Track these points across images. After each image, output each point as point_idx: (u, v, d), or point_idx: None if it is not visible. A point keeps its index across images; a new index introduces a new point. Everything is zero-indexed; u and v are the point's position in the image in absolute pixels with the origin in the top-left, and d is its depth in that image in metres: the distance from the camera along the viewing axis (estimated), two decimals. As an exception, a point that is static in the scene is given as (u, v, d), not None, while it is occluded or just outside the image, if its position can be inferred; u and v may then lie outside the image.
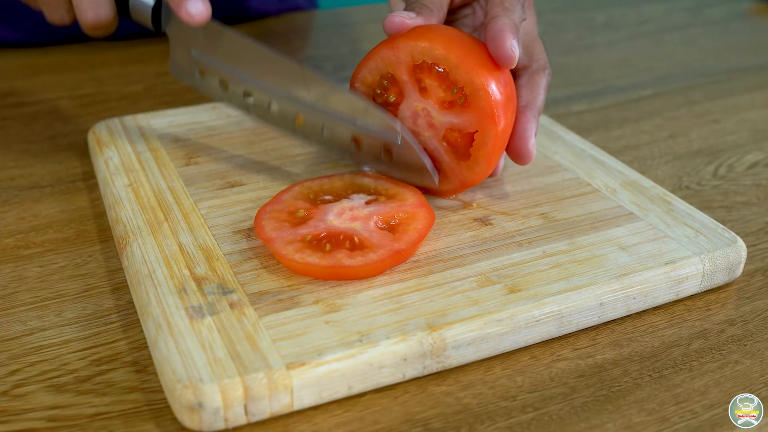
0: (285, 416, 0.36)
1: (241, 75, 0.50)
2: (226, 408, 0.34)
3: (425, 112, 0.46)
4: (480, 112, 0.44)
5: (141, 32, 0.79)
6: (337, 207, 0.44)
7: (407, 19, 0.46)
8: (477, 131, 0.45)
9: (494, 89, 0.44)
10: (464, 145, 0.46)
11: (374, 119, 0.46)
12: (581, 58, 0.80)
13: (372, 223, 0.43)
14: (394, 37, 0.46)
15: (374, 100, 0.48)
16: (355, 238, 0.42)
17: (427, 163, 0.46)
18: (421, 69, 0.45)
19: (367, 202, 0.45)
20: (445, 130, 0.46)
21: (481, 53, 0.45)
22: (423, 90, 0.46)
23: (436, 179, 0.47)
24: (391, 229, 0.43)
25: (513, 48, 0.44)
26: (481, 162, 0.45)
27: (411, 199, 0.45)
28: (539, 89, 0.48)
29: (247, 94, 0.50)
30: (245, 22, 0.86)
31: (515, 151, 0.47)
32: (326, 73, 0.75)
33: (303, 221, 0.43)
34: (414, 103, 0.46)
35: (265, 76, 0.49)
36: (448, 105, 0.45)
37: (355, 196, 0.46)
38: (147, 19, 0.50)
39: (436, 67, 0.45)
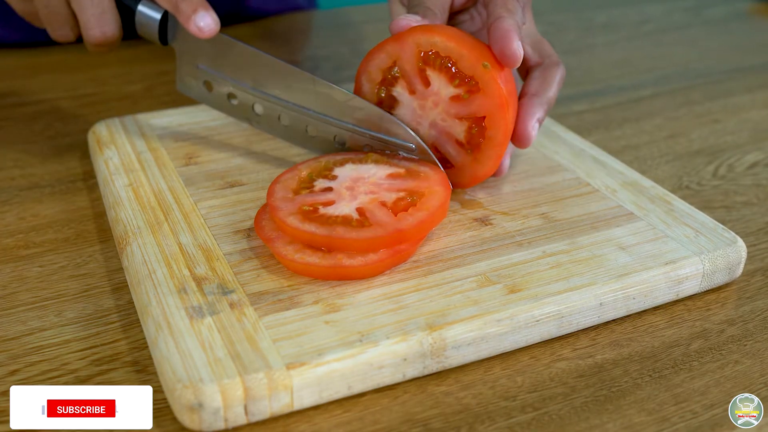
0: (285, 416, 0.36)
1: (249, 87, 0.50)
2: (226, 408, 0.34)
3: (432, 104, 0.47)
4: (488, 101, 0.45)
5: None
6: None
7: (413, 21, 0.47)
8: (485, 120, 0.45)
9: (501, 78, 0.45)
10: (472, 138, 0.46)
11: (391, 128, 0.48)
12: (581, 58, 0.80)
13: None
14: (400, 33, 0.47)
15: (379, 93, 0.48)
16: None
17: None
18: (426, 61, 0.46)
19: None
20: (452, 121, 0.47)
21: (485, 48, 0.46)
22: (428, 82, 0.46)
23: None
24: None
25: (519, 47, 0.45)
26: (489, 154, 0.46)
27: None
28: (552, 82, 0.49)
29: (254, 107, 0.51)
30: (245, 22, 0.86)
31: (516, 132, 0.47)
32: (327, 73, 0.75)
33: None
34: (420, 95, 0.47)
35: (274, 88, 0.50)
36: (454, 97, 0.46)
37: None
38: (153, 34, 0.51)
39: (442, 59, 0.45)
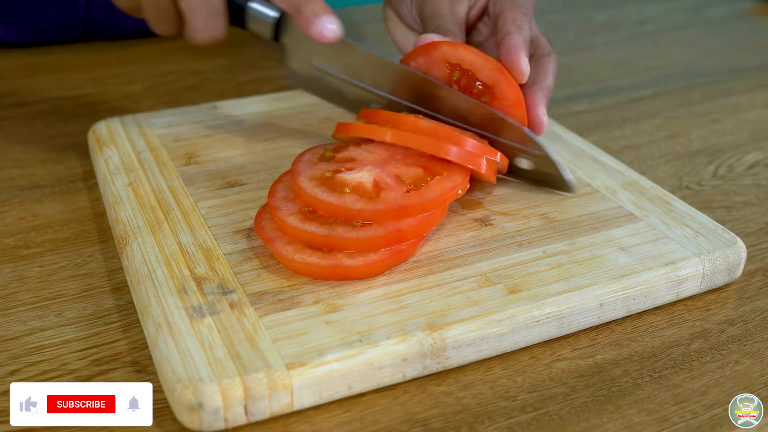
0: (285, 416, 0.36)
1: (365, 86, 0.52)
2: (226, 408, 0.34)
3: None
4: (505, 102, 0.48)
5: (141, 32, 0.79)
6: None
7: (437, 38, 0.50)
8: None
9: (515, 84, 0.48)
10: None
11: (511, 132, 0.49)
12: (581, 58, 0.80)
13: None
14: (425, 46, 0.50)
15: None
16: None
17: (565, 174, 0.48)
18: (451, 70, 0.49)
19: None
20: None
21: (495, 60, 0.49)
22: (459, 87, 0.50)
23: (573, 187, 0.49)
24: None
25: (526, 64, 0.48)
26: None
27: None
28: (546, 71, 0.51)
29: (371, 105, 0.52)
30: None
31: (529, 122, 0.49)
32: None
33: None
34: None
35: (392, 89, 0.51)
36: (477, 98, 0.49)
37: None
38: (266, 32, 0.51)
39: (463, 70, 0.49)
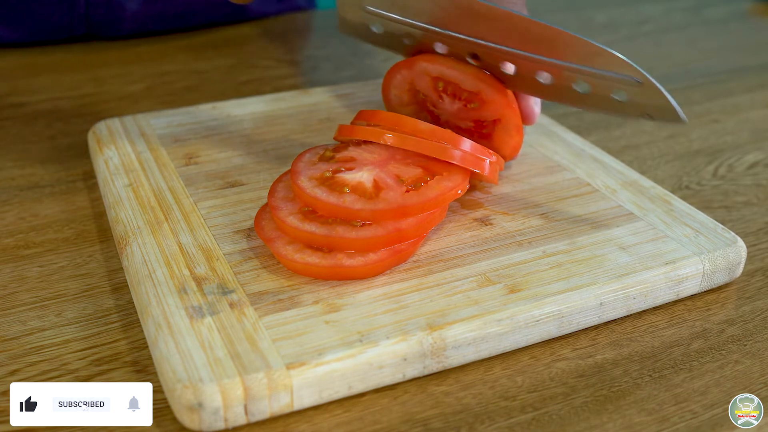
0: (285, 416, 0.36)
1: (427, 26, 0.48)
2: (226, 408, 0.34)
3: (453, 111, 0.51)
4: (494, 105, 0.48)
5: (141, 32, 0.79)
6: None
7: None
8: (500, 120, 0.49)
9: (501, 86, 0.49)
10: (484, 127, 0.50)
11: (608, 61, 0.43)
12: (581, 58, 0.80)
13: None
14: (407, 60, 0.51)
15: (422, 107, 0.53)
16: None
17: (671, 99, 0.43)
18: (435, 81, 0.50)
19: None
20: (472, 122, 0.51)
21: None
22: (442, 96, 0.51)
23: (682, 115, 0.44)
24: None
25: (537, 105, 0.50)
26: (503, 138, 0.50)
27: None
28: None
29: (435, 47, 0.49)
30: (245, 23, 0.86)
31: (521, 112, 0.50)
32: (326, 73, 0.75)
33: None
34: (443, 105, 0.51)
35: (458, 26, 0.47)
36: (465, 106, 0.50)
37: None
38: None
39: (446, 81, 0.50)
